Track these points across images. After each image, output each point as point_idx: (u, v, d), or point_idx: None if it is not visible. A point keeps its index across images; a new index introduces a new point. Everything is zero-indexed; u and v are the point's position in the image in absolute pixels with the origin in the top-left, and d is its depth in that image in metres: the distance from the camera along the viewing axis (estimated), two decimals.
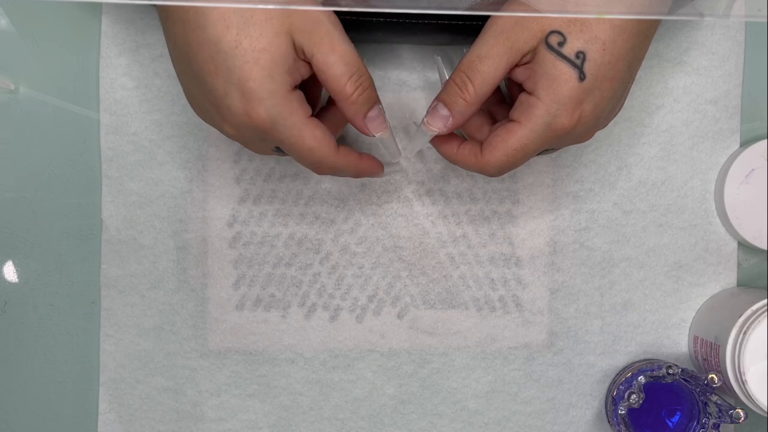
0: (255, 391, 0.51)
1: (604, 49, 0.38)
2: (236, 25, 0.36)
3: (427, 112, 0.42)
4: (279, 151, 0.42)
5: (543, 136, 0.40)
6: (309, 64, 0.38)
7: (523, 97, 0.40)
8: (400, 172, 0.51)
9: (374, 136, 0.41)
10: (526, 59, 0.39)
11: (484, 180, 0.51)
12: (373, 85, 0.40)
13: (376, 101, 0.40)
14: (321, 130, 0.39)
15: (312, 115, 0.40)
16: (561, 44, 0.38)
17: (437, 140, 0.44)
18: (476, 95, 0.39)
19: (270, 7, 0.37)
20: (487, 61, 0.39)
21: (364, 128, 0.41)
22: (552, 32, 0.38)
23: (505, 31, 0.38)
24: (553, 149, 0.43)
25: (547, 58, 0.38)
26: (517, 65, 0.39)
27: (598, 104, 0.39)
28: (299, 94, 0.39)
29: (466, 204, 0.51)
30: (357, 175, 0.43)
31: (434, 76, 0.50)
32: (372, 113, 0.40)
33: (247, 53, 0.37)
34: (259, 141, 0.40)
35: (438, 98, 0.41)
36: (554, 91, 0.38)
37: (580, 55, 0.38)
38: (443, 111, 0.41)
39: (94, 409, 0.51)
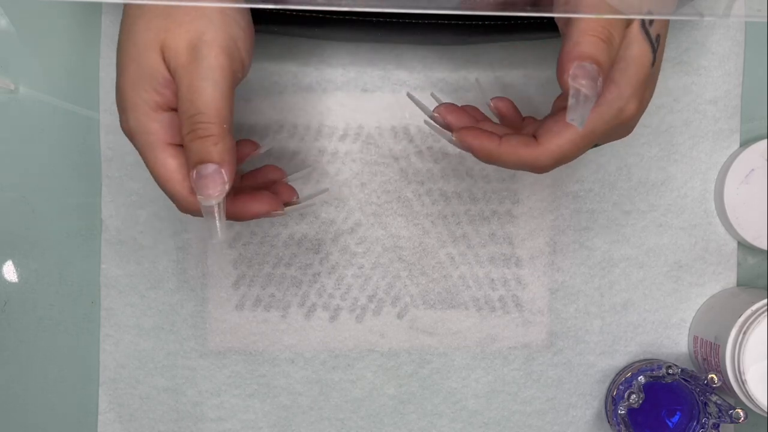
0: (255, 391, 0.51)
1: (665, 37, 0.36)
2: (126, 28, 0.36)
3: (572, 75, 0.33)
4: None
5: (611, 122, 0.36)
6: None
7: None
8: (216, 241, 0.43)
9: (196, 197, 0.36)
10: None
11: (484, 180, 0.51)
12: (220, 142, 0.35)
13: (213, 160, 0.35)
14: (178, 163, 0.36)
15: (179, 145, 0.36)
16: (650, 24, 0.35)
17: (469, 135, 0.38)
18: (617, 46, 0.35)
19: (270, 6, 0.37)
20: (611, 26, 0.34)
21: (191, 180, 0.35)
22: (649, 12, 0.35)
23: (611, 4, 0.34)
24: (598, 144, 0.38)
25: (637, 37, 0.35)
26: None
27: (652, 92, 0.37)
28: (169, 117, 0.36)
29: (466, 204, 0.51)
30: (236, 216, 0.39)
31: (435, 75, 0.50)
32: (204, 170, 0.35)
33: (122, 59, 0.36)
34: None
35: (576, 57, 0.33)
36: (632, 75, 0.35)
37: (658, 39, 0.35)
38: (591, 67, 0.33)
39: (94, 409, 0.51)
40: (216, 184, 0.35)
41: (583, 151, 0.36)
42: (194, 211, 0.37)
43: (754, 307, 0.46)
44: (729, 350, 0.46)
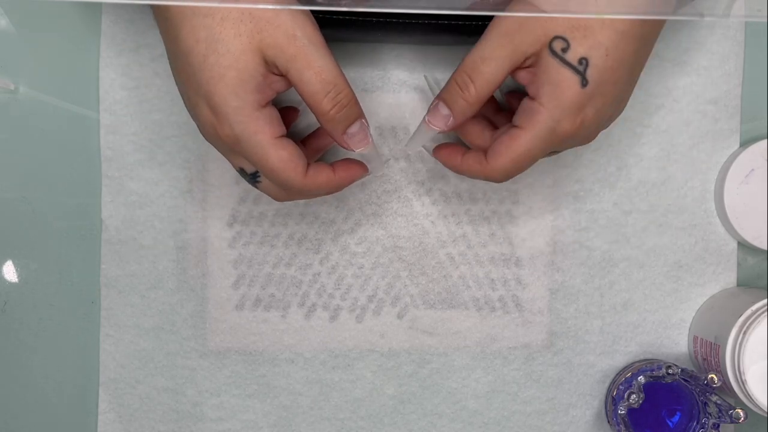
0: (255, 391, 0.51)
1: (606, 55, 0.38)
2: (204, 40, 0.37)
3: (429, 111, 0.42)
4: (244, 173, 0.41)
5: (547, 141, 0.40)
6: (286, 78, 0.38)
7: (526, 103, 0.40)
8: (382, 171, 0.50)
9: (354, 151, 0.41)
10: (529, 62, 0.39)
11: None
12: (354, 101, 0.39)
13: (357, 117, 0.40)
14: (289, 151, 0.39)
15: (285, 135, 0.39)
16: (564, 50, 0.38)
17: (440, 152, 0.44)
18: (477, 96, 0.39)
19: (270, 7, 0.37)
20: (490, 62, 0.39)
21: (344, 144, 0.40)
22: (556, 37, 0.38)
23: (509, 33, 0.38)
24: (556, 152, 0.43)
25: (551, 63, 0.38)
26: (519, 68, 0.39)
27: (600, 109, 0.39)
28: (269, 112, 0.39)
29: (466, 204, 0.51)
30: (332, 191, 0.43)
31: (435, 75, 0.50)
32: (352, 129, 0.40)
33: (213, 69, 0.37)
34: (230, 152, 0.40)
35: (439, 97, 0.41)
36: (557, 97, 0.38)
37: (583, 61, 0.38)
38: (444, 110, 0.41)
39: (94, 409, 0.51)
40: (366, 134, 0.41)
41: (531, 165, 0.41)
42: (305, 193, 0.41)
43: (754, 307, 0.46)
44: (729, 350, 0.46)
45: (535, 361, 0.51)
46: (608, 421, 0.50)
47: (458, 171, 0.44)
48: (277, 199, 0.43)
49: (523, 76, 0.40)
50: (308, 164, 0.41)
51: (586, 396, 0.52)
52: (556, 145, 0.40)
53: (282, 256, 0.51)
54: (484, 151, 0.42)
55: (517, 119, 0.40)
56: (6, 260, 0.50)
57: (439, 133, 0.42)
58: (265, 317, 0.51)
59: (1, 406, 0.51)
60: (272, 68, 0.38)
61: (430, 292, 0.51)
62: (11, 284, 0.50)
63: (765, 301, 0.46)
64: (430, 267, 0.51)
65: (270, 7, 0.37)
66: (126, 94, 0.50)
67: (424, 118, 0.42)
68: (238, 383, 0.51)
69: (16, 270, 0.50)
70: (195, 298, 0.51)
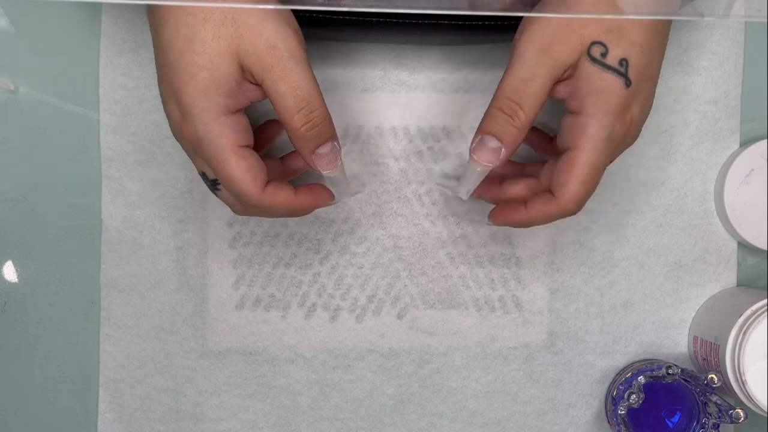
0: (255, 391, 0.51)
1: (642, 52, 0.38)
2: (183, 38, 0.36)
3: (473, 149, 0.40)
4: (205, 178, 0.40)
5: (607, 150, 0.39)
6: (261, 88, 0.38)
7: (570, 120, 0.39)
8: (350, 197, 0.49)
9: (321, 173, 0.40)
10: (567, 74, 0.38)
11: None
12: (327, 121, 0.38)
13: (328, 137, 0.39)
14: (249, 162, 0.38)
15: (250, 147, 0.39)
16: (604, 54, 0.37)
17: (500, 216, 0.43)
18: (527, 120, 0.38)
19: (271, 7, 0.37)
20: (533, 82, 0.37)
21: (312, 164, 0.39)
22: (594, 43, 0.37)
23: (545, 48, 0.37)
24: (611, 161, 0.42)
25: (592, 71, 0.37)
26: (557, 82, 0.38)
27: (643, 105, 0.39)
28: (238, 119, 0.38)
29: (466, 204, 0.51)
30: (291, 214, 0.41)
31: (435, 75, 0.50)
32: (322, 149, 0.39)
33: (186, 67, 0.36)
34: (193, 154, 0.40)
35: (482, 131, 0.39)
36: (605, 104, 0.38)
37: (623, 62, 0.37)
38: (493, 143, 0.39)
39: (93, 409, 0.51)
40: (336, 156, 0.39)
41: (598, 181, 0.39)
42: (260, 209, 0.40)
43: (754, 307, 0.46)
44: (729, 350, 0.46)
45: (535, 361, 0.51)
46: (608, 421, 0.50)
47: (528, 223, 0.42)
48: (234, 210, 0.41)
49: (561, 90, 0.39)
50: (269, 181, 0.39)
51: (586, 396, 0.52)
52: (614, 151, 0.39)
53: (282, 256, 0.51)
54: (546, 192, 0.40)
55: (567, 140, 0.39)
56: (6, 260, 0.50)
57: (491, 169, 0.40)
58: (265, 317, 0.51)
59: (1, 406, 0.51)
60: (248, 76, 0.37)
61: (430, 292, 0.51)
62: (11, 284, 0.50)
63: (765, 301, 0.46)
64: (430, 267, 0.51)
65: (271, 7, 0.36)
66: (126, 94, 0.50)
67: (469, 159, 0.40)
68: (238, 383, 0.51)
69: (16, 270, 0.50)
70: (195, 298, 0.51)
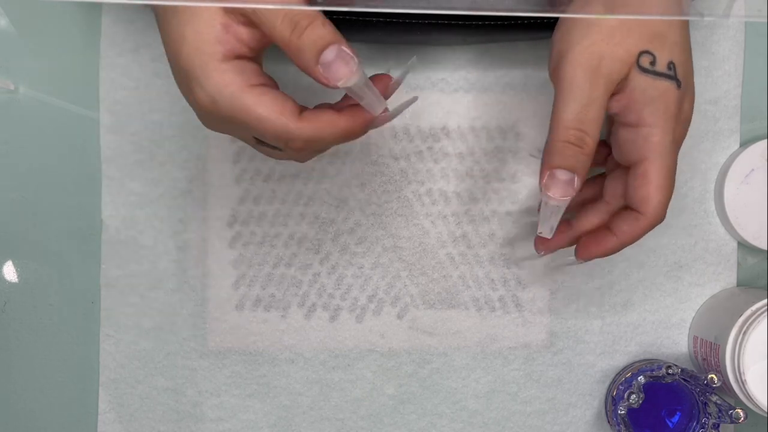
0: (255, 391, 0.51)
1: (683, 51, 0.38)
2: (171, 10, 0.34)
3: (545, 185, 0.38)
4: (263, 143, 0.37)
5: (674, 153, 0.39)
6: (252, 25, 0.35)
7: (628, 133, 0.39)
8: (412, 103, 0.41)
9: (337, 86, 0.34)
10: (618, 88, 0.38)
11: (484, 180, 0.51)
12: (319, 22, 0.33)
13: (328, 41, 0.33)
14: (271, 96, 0.34)
15: (265, 85, 0.35)
16: (653, 63, 0.37)
17: (588, 249, 0.42)
18: (594, 145, 0.37)
19: (270, 7, 0.37)
20: (593, 106, 0.37)
21: (321, 78, 0.34)
22: (642, 53, 0.37)
23: (596, 68, 0.37)
24: None
25: (645, 81, 0.37)
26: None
27: (692, 100, 0.40)
28: (239, 63, 0.35)
29: (466, 204, 0.51)
30: (349, 136, 0.37)
31: (435, 75, 0.50)
32: (326, 56, 0.33)
33: (176, 32, 0.34)
34: (229, 126, 0.36)
35: (552, 166, 0.38)
36: (664, 111, 0.38)
37: (671, 65, 0.37)
38: (564, 176, 0.38)
39: (94, 409, 0.51)
40: (348, 62, 0.33)
41: (674, 181, 0.40)
42: (313, 137, 0.35)
43: (754, 307, 0.46)
44: (729, 350, 0.46)
45: (535, 361, 0.51)
46: (608, 421, 0.50)
47: (621, 248, 0.41)
48: (299, 160, 0.38)
49: (614, 105, 0.38)
50: (305, 108, 0.36)
51: (586, 396, 0.52)
52: (678, 150, 0.40)
53: (282, 256, 0.51)
54: (626, 209, 0.40)
55: (632, 154, 0.39)
56: (6, 260, 0.50)
57: (568, 202, 0.39)
58: (265, 317, 0.51)
59: (1, 406, 0.51)
60: (237, 17, 0.34)
61: (430, 292, 0.51)
62: (11, 284, 0.50)
63: (765, 301, 0.46)
64: (430, 267, 0.51)
65: (271, 7, 0.36)
66: (126, 94, 0.50)
67: (543, 198, 0.39)
68: (238, 383, 0.51)
69: (16, 270, 0.50)
70: (195, 298, 0.51)
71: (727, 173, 0.49)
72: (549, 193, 0.38)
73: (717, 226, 0.51)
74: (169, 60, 0.36)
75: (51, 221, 0.50)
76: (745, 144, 0.50)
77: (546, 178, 0.38)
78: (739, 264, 0.52)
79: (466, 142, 0.50)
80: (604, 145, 0.45)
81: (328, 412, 0.51)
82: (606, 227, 0.42)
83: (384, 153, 0.51)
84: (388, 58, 0.50)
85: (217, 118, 0.36)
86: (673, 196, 0.51)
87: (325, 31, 0.33)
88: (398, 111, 0.38)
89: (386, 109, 0.38)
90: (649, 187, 0.39)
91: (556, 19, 0.45)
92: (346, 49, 0.34)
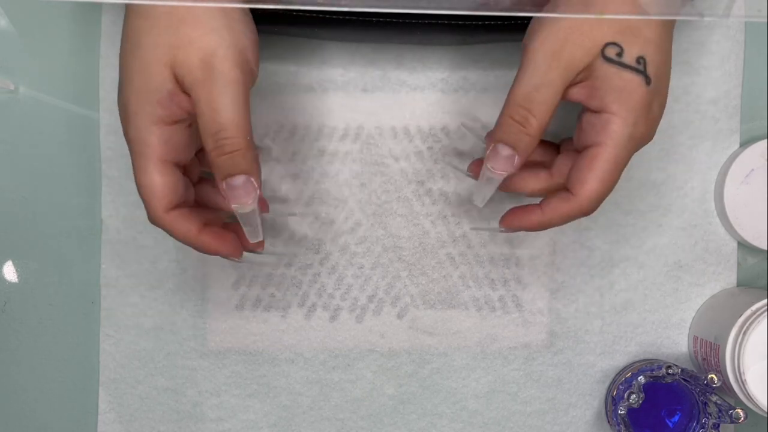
0: (255, 391, 0.51)
1: (658, 50, 0.38)
2: (131, 40, 0.37)
3: (487, 158, 0.39)
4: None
5: (628, 148, 0.38)
6: None
7: (591, 118, 0.39)
8: (274, 264, 0.47)
9: (231, 209, 0.38)
10: (581, 77, 0.38)
11: None
12: (243, 153, 0.36)
13: (242, 170, 0.37)
14: (165, 180, 0.37)
15: (178, 165, 0.38)
16: (619, 54, 0.37)
17: (513, 219, 0.43)
18: (540, 127, 0.38)
19: (270, 6, 0.37)
20: (545, 89, 0.37)
21: (222, 192, 0.37)
22: (608, 44, 0.37)
23: (556, 52, 0.37)
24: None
25: (609, 70, 0.37)
26: (571, 85, 0.38)
27: (662, 103, 0.39)
28: (171, 132, 0.37)
29: (466, 204, 0.51)
30: (195, 247, 0.40)
31: (435, 75, 0.50)
32: (233, 181, 0.37)
33: (127, 69, 0.37)
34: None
35: (494, 139, 0.39)
36: (627, 101, 0.37)
37: (641, 60, 0.37)
38: (506, 151, 0.38)
39: (94, 409, 0.51)
40: (249, 193, 0.37)
41: (618, 179, 0.39)
42: (167, 229, 0.39)
43: (754, 307, 0.46)
44: (729, 350, 0.46)
45: (535, 361, 0.51)
46: (608, 421, 0.50)
47: (545, 225, 0.41)
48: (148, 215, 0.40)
49: (577, 92, 0.38)
50: (179, 206, 0.39)
51: (586, 396, 0.52)
52: (634, 149, 0.39)
53: (282, 256, 0.51)
54: (564, 189, 0.40)
55: (587, 137, 0.39)
56: (6, 260, 0.50)
57: (505, 176, 0.40)
58: (265, 317, 0.51)
59: (1, 406, 0.51)
60: (183, 87, 0.36)
61: (430, 292, 0.51)
62: (11, 284, 0.50)
63: (765, 301, 0.46)
64: (430, 267, 0.51)
65: (271, 6, 0.36)
66: None
67: (484, 168, 0.40)
68: (238, 383, 0.51)
69: (16, 270, 0.50)
70: (195, 298, 0.51)
71: (727, 173, 0.49)
72: (489, 165, 0.39)
73: (717, 226, 0.51)
74: (119, 70, 0.38)
75: (51, 221, 0.50)
76: (745, 144, 0.50)
77: (489, 150, 0.39)
78: (739, 264, 0.52)
79: (465, 142, 0.50)
80: (551, 146, 0.44)
81: (328, 412, 0.51)
82: (535, 204, 0.42)
83: (384, 153, 0.51)
84: (388, 58, 0.50)
85: (127, 144, 0.39)
86: (673, 196, 0.51)
87: (244, 163, 0.36)
88: (249, 259, 0.44)
89: (240, 254, 0.42)
90: (590, 171, 0.38)
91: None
92: (255, 182, 0.37)
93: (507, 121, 0.38)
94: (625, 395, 0.47)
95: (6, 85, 0.49)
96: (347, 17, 0.44)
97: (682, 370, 0.47)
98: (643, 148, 0.51)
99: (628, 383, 0.48)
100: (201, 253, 0.50)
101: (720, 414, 0.46)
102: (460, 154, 0.51)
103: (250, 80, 0.37)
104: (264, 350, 0.51)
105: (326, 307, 0.51)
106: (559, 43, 0.37)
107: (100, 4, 0.49)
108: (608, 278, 0.51)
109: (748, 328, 0.45)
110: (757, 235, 0.50)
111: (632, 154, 0.40)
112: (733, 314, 0.46)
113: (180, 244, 0.50)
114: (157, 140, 0.37)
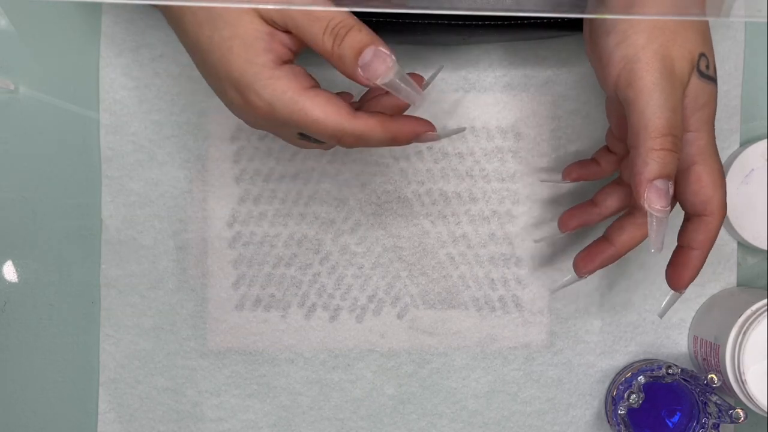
0: (255, 391, 0.51)
1: (712, 51, 0.38)
2: (206, 21, 0.36)
3: (648, 199, 0.36)
4: (306, 138, 0.39)
5: (717, 152, 0.39)
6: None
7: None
8: (459, 132, 0.44)
9: (376, 85, 0.36)
10: None
11: (484, 180, 0.51)
12: (355, 28, 0.35)
13: (364, 44, 0.35)
14: (325, 97, 0.36)
15: (316, 87, 0.37)
16: (707, 66, 0.37)
17: (676, 274, 0.42)
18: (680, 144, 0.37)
19: (271, 6, 0.37)
20: (679, 109, 0.36)
21: (363, 80, 0.35)
22: (701, 56, 0.36)
23: (671, 71, 0.36)
24: None
25: (699, 86, 0.37)
26: None
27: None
28: (291, 68, 0.36)
29: (466, 204, 0.51)
30: (394, 140, 0.38)
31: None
32: (364, 58, 0.35)
33: (221, 45, 0.36)
34: (280, 128, 0.38)
35: (651, 178, 0.36)
36: (709, 115, 0.37)
37: (714, 68, 0.37)
38: (663, 185, 0.36)
39: (94, 409, 0.51)
40: (384, 59, 0.35)
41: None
42: (363, 135, 0.37)
43: (754, 307, 0.46)
44: (729, 350, 0.46)
45: (535, 361, 0.51)
46: (608, 421, 0.50)
47: (704, 259, 0.41)
48: (327, 149, 0.40)
49: None
50: (359, 109, 0.37)
51: (586, 396, 0.52)
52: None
53: (282, 256, 0.51)
54: (692, 216, 0.40)
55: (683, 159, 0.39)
56: (6, 260, 0.50)
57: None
58: (265, 317, 0.51)
59: (1, 406, 0.51)
60: (275, 24, 0.36)
61: (430, 292, 0.51)
62: (11, 284, 0.50)
63: (765, 301, 0.46)
64: (430, 267, 0.51)
65: (271, 6, 0.36)
66: (126, 94, 0.50)
67: (649, 216, 0.37)
68: (238, 383, 0.51)
69: (16, 270, 0.50)
70: (195, 298, 0.51)
71: (727, 173, 0.49)
72: (657, 206, 0.36)
73: None
74: (205, 68, 0.37)
75: (51, 221, 0.50)
76: (745, 144, 0.50)
77: (646, 192, 0.36)
78: (739, 264, 0.52)
79: (465, 142, 0.50)
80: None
81: (328, 412, 0.51)
82: (680, 245, 0.42)
83: (384, 153, 0.51)
84: None
85: (272, 121, 0.37)
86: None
87: (361, 35, 0.35)
88: (446, 134, 0.41)
89: (433, 128, 0.39)
90: (708, 189, 0.39)
91: (557, 19, 0.45)
92: (382, 48, 0.35)
93: (663, 154, 0.36)
94: (625, 395, 0.47)
95: (6, 85, 0.49)
96: None
97: (682, 370, 0.47)
98: None
99: (628, 383, 0.48)
100: (201, 252, 0.50)
101: (720, 414, 0.46)
102: (460, 155, 0.51)
103: None
104: (264, 350, 0.51)
105: (326, 307, 0.51)
106: (670, 62, 0.36)
107: (100, 4, 0.49)
108: (608, 278, 0.51)
109: (748, 328, 0.45)
110: (757, 235, 0.50)
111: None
112: (733, 314, 0.46)
113: (180, 244, 0.50)
114: (289, 79, 0.36)
